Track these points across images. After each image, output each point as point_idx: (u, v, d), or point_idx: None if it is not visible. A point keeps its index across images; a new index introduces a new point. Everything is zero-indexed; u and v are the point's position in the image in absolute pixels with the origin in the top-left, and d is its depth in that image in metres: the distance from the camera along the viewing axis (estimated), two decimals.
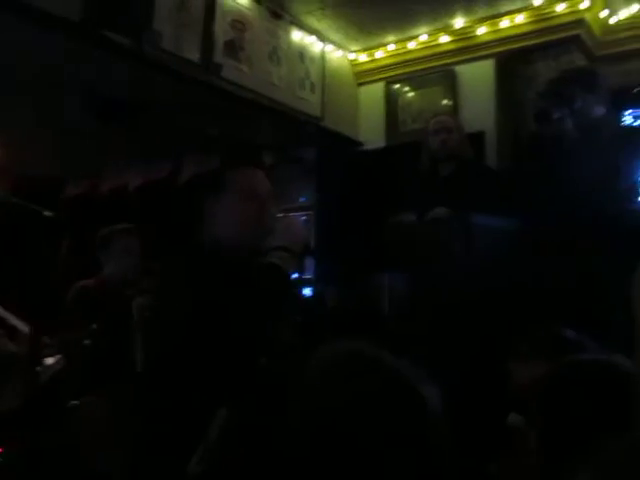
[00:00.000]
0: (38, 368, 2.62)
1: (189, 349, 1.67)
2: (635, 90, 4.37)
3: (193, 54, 3.76)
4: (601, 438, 0.73)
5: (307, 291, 4.98)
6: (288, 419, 0.96)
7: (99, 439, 2.63)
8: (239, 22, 4.06)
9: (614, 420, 0.88)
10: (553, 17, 4.27)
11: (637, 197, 2.93)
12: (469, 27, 4.54)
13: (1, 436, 2.79)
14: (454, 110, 4.58)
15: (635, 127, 3.63)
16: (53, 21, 3.14)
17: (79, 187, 6.34)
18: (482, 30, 4.51)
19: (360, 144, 5.08)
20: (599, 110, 3.06)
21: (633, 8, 4.29)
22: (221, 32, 3.92)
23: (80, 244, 4.87)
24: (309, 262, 4.78)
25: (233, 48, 4.02)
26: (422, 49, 4.78)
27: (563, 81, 3.19)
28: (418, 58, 4.83)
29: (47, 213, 2.05)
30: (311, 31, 4.65)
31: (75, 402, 2.78)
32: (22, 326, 3.23)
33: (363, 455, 0.87)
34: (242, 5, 4.09)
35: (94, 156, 5.59)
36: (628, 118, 4.30)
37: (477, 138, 4.25)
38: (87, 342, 2.88)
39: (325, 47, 4.81)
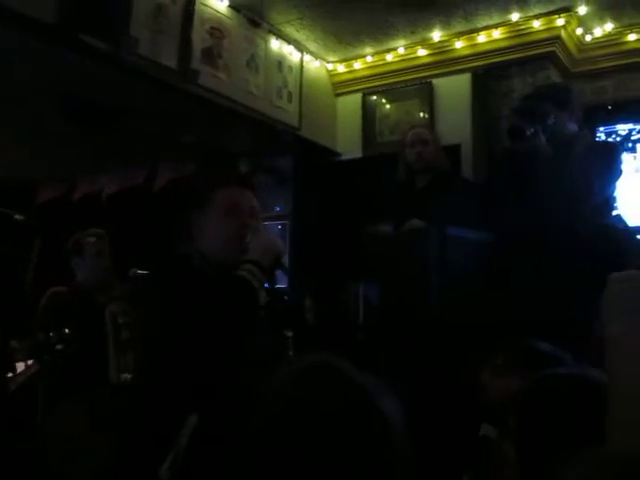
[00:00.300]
0: (9, 374, 2.57)
1: (167, 359, 1.71)
2: (608, 107, 4.44)
3: (170, 60, 3.73)
4: (577, 451, 0.72)
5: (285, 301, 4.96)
6: (250, 429, 0.95)
7: (73, 445, 2.58)
8: (217, 29, 4.05)
9: (590, 434, 0.87)
10: (529, 33, 4.33)
11: (610, 213, 2.96)
12: (447, 41, 4.58)
13: None
14: (431, 123, 4.61)
15: (608, 143, 3.67)
16: (28, 23, 3.10)
17: (54, 191, 6.26)
18: (459, 44, 4.55)
19: (337, 154, 5.09)
20: (572, 127, 3.09)
21: (607, 27, 4.36)
22: (199, 39, 3.91)
23: (53, 249, 4.80)
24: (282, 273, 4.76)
25: (211, 55, 4.00)
26: (400, 61, 4.82)
27: (536, 97, 3.21)
28: (396, 70, 4.86)
29: (18, 217, 2.01)
30: (289, 40, 4.65)
31: (48, 408, 2.74)
32: None
33: (320, 470, 0.86)
34: (220, 13, 4.08)
35: (69, 160, 5.53)
36: (601, 134, 4.37)
37: (453, 150, 4.27)
38: (59, 347, 2.83)
39: (303, 57, 4.81)
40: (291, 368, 1.00)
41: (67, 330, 2.91)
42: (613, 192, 3.02)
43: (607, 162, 2.93)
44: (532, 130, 2.84)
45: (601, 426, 0.91)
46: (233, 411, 1.53)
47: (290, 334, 1.89)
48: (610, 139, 4.31)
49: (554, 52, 4.32)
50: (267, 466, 0.89)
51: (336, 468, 0.87)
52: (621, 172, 2.99)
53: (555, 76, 4.39)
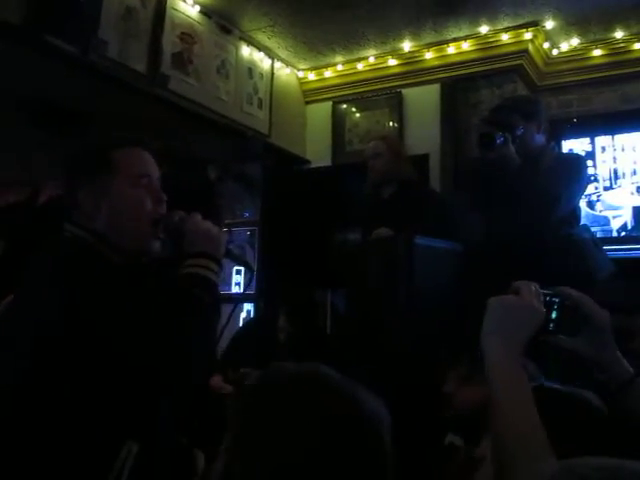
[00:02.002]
0: None
1: (71, 370, 1.31)
2: (574, 120, 4.52)
3: (140, 64, 3.70)
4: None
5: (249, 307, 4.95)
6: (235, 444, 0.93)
7: None
8: (188, 35, 4.03)
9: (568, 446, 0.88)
10: (498, 46, 4.39)
11: (577, 223, 3.00)
12: (417, 51, 4.63)
13: None
14: (400, 132, 4.64)
15: (573, 155, 3.72)
16: None
17: (16, 195, 6.15)
18: (429, 55, 4.60)
19: (306, 162, 5.09)
20: (539, 138, 3.13)
21: (573, 41, 4.44)
22: (169, 44, 3.88)
23: (15, 254, 4.71)
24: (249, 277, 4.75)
25: (181, 60, 3.98)
26: (370, 71, 4.84)
27: (505, 108, 3.25)
28: (366, 79, 4.89)
29: None
30: (260, 47, 4.65)
31: None
32: None
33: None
34: (191, 18, 4.06)
35: (34, 164, 5.44)
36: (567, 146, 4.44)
37: (422, 160, 4.31)
38: None
39: (274, 64, 4.81)
40: (275, 379, 0.99)
41: None
42: (579, 203, 3.07)
43: (573, 174, 2.97)
44: (502, 139, 2.87)
45: (576, 437, 0.93)
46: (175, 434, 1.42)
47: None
48: (575, 151, 4.38)
49: (521, 65, 4.39)
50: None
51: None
52: (587, 183, 3.04)
53: (522, 89, 4.46)
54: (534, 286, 1.09)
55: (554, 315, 1.09)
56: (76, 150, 1.64)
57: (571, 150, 4.43)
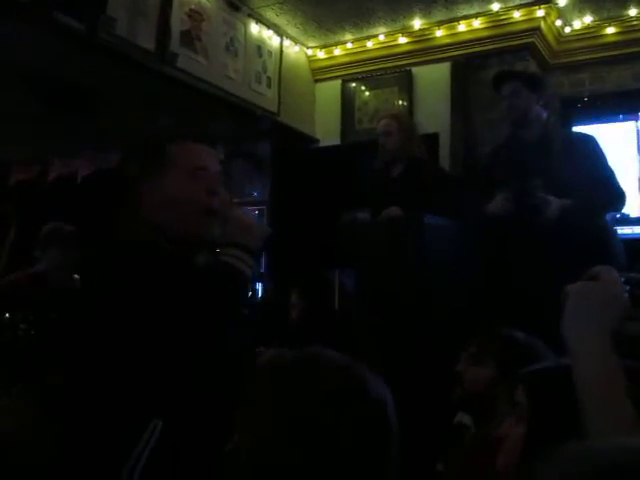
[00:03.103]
0: None
1: (121, 354, 1.42)
2: (585, 99, 4.48)
3: (148, 43, 3.68)
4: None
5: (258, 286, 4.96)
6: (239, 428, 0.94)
7: (19, 436, 2.53)
8: (196, 12, 4.00)
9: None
10: (509, 24, 4.33)
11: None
12: (427, 29, 4.58)
13: None
14: (409, 111, 4.61)
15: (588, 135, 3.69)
16: (1, 2, 3.03)
17: (26, 173, 6.17)
18: (440, 33, 4.55)
19: (315, 141, 5.07)
20: (541, 111, 3.14)
21: (586, 19, 4.39)
22: (178, 21, 3.85)
23: (27, 231, 4.74)
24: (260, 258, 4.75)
25: (190, 38, 3.95)
26: (380, 49, 4.80)
27: (507, 74, 3.30)
28: (375, 58, 4.84)
29: None
30: (269, 25, 4.61)
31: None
32: None
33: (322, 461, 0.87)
34: None
35: (43, 142, 5.45)
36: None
37: (432, 139, 4.28)
38: (23, 326, 2.76)
39: (283, 42, 4.77)
40: (281, 361, 0.99)
41: (7, 315, 2.82)
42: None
43: (603, 154, 3.00)
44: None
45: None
46: (204, 415, 1.43)
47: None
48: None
49: (533, 43, 4.33)
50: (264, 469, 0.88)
51: (338, 458, 0.87)
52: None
53: (534, 67, 4.41)
54: (614, 271, 1.04)
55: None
56: (135, 144, 1.74)
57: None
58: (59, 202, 5.25)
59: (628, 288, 1.05)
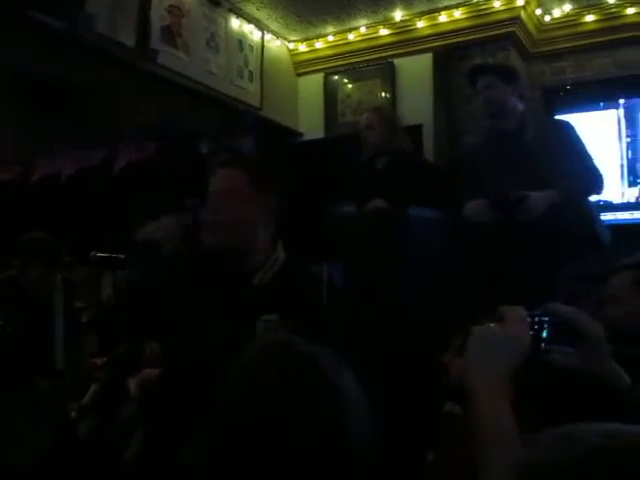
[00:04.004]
0: None
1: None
2: (567, 87, 4.50)
3: (129, 39, 3.66)
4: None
5: None
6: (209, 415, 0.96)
7: (9, 429, 2.54)
8: (176, 8, 3.98)
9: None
10: (490, 13, 4.35)
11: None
12: (408, 20, 4.58)
13: None
14: (392, 103, 4.62)
15: (564, 121, 3.70)
16: None
17: (9, 173, 6.11)
18: (421, 24, 4.56)
19: (299, 134, 5.06)
20: (517, 103, 3.16)
21: (566, 7, 4.41)
22: (157, 17, 3.83)
23: (9, 231, 4.70)
24: None
25: (170, 34, 3.94)
26: (362, 41, 4.80)
27: (481, 68, 3.32)
28: (358, 50, 4.84)
29: None
30: (250, 19, 4.59)
31: None
32: None
33: (277, 448, 0.87)
34: None
35: (23, 142, 5.40)
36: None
37: (415, 131, 4.29)
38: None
39: (264, 36, 4.76)
40: (248, 349, 1.01)
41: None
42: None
43: (580, 142, 3.02)
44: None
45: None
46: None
47: (272, 318, 1.78)
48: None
49: (514, 32, 4.35)
50: (225, 451, 0.89)
51: (292, 444, 0.87)
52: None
53: (515, 56, 4.43)
54: (519, 310, 1.07)
55: (545, 334, 1.07)
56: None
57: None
58: (44, 201, 5.21)
59: (547, 319, 1.06)
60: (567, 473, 0.62)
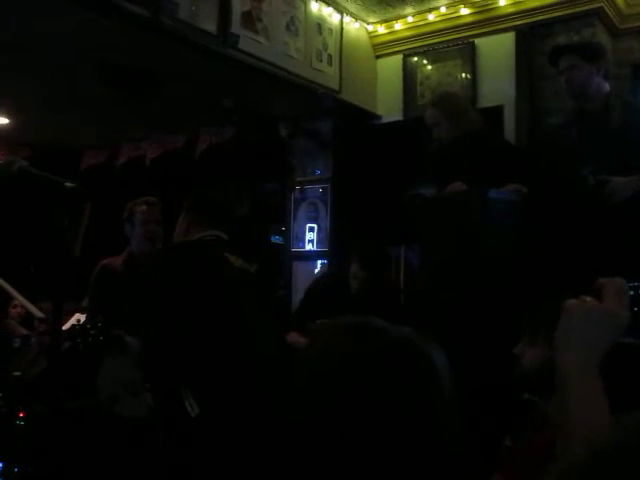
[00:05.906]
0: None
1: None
2: None
3: (210, 25, 3.72)
4: None
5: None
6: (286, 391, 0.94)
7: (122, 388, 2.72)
8: None
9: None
10: None
11: None
12: None
13: (23, 401, 2.86)
14: (473, 84, 4.53)
15: None
16: None
17: (96, 157, 6.36)
18: (503, 2, 4.43)
19: (378, 117, 5.05)
20: (601, 82, 3.05)
21: None
22: (238, 3, 3.88)
23: (101, 214, 4.91)
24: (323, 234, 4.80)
25: (250, 19, 3.98)
26: (441, 21, 4.72)
27: (562, 48, 3.22)
28: (437, 30, 4.77)
29: (69, 184, 2.00)
30: (329, 2, 4.59)
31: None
32: (36, 311, 3.28)
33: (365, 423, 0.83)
34: None
35: (110, 127, 5.60)
36: None
37: (496, 112, 4.21)
38: (93, 332, 2.82)
39: (343, 18, 4.75)
40: (327, 328, 0.98)
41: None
42: None
43: None
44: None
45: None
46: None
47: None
48: None
49: (601, 7, 4.18)
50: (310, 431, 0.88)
51: (380, 417, 0.84)
52: None
53: (601, 33, 4.26)
54: (619, 282, 0.98)
55: None
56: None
57: None
58: (130, 184, 5.41)
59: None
60: None
